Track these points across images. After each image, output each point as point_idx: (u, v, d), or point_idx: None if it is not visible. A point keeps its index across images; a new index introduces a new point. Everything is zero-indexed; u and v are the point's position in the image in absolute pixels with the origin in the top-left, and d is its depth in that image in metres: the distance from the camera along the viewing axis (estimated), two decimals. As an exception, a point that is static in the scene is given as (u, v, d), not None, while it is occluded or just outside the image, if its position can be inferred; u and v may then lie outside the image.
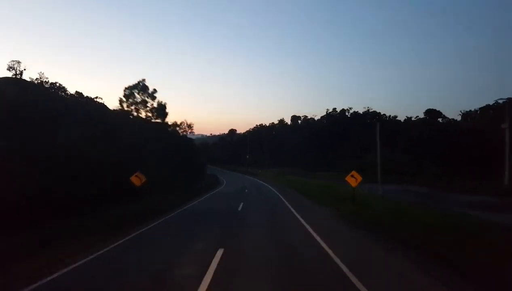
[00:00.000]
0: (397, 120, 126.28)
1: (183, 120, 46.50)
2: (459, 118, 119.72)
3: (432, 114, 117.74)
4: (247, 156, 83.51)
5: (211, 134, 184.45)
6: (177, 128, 43.20)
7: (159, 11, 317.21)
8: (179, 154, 34.74)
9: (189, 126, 46.49)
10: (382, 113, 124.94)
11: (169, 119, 40.60)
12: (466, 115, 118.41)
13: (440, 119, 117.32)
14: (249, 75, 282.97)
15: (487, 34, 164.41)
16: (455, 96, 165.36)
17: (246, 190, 33.89)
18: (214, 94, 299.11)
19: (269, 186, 40.13)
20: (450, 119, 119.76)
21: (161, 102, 31.88)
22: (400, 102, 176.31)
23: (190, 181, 36.47)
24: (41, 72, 46.05)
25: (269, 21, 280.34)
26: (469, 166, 60.93)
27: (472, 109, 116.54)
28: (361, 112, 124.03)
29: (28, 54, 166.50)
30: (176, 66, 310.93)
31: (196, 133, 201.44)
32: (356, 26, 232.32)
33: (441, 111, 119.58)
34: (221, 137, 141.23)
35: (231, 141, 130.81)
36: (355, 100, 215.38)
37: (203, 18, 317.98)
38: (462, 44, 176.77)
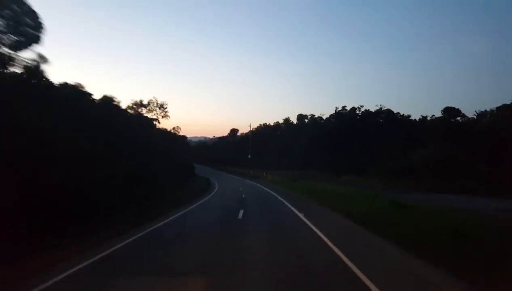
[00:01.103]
0: (411, 119, 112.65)
1: (151, 98, 28.57)
2: (473, 117, 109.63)
3: (450, 112, 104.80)
4: (249, 156, 68.56)
5: (214, 136, 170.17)
6: (143, 110, 28.10)
7: (159, 12, 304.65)
8: (135, 151, 20.45)
9: (162, 107, 29.42)
10: (396, 112, 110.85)
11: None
12: (481, 115, 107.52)
13: (459, 118, 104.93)
14: (251, 74, 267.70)
15: (501, 33, 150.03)
16: (469, 95, 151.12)
17: (241, 214, 15.91)
18: (216, 95, 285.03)
19: (286, 203, 20.65)
20: (470, 117, 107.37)
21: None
22: (411, 100, 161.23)
23: (163, 189, 22.32)
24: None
25: (273, 16, 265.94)
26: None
27: (488, 109, 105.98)
28: (373, 111, 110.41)
29: None
30: (177, 66, 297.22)
31: (199, 136, 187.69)
32: (365, 21, 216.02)
33: (460, 109, 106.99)
34: (222, 137, 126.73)
35: (232, 141, 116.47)
36: (364, 98, 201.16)
37: (204, 16, 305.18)
38: (474, 43, 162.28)
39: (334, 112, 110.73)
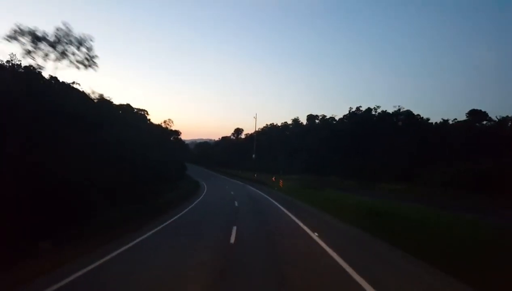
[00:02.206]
0: (430, 122, 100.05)
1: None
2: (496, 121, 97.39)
3: (476, 115, 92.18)
4: (253, 155, 56.14)
5: (219, 138, 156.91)
6: (50, 55, 14.96)
7: (162, 12, 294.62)
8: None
9: (81, 45, 14.83)
10: (416, 114, 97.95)
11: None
12: (503, 120, 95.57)
13: (485, 122, 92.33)
14: (259, 75, 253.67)
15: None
16: (487, 100, 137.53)
17: None
18: (221, 97, 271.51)
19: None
20: (497, 121, 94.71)
21: None
22: (425, 102, 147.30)
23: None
24: None
25: (284, 12, 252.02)
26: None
27: (510, 115, 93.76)
28: (390, 112, 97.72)
29: None
30: (183, 66, 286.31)
31: (204, 138, 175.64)
32: (381, 19, 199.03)
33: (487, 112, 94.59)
34: (225, 138, 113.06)
35: (236, 142, 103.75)
36: (375, 99, 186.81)
37: (208, 15, 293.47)
38: (495, 46, 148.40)
39: (348, 112, 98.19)
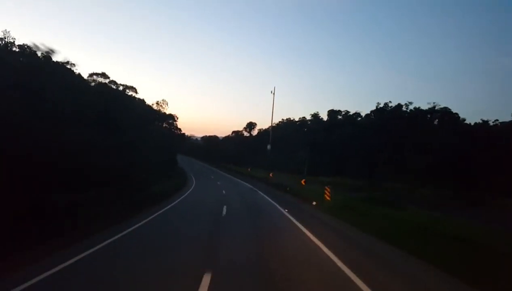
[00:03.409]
0: (466, 123, 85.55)
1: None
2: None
3: (524, 116, 76.85)
4: (268, 146, 43.00)
5: (230, 133, 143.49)
6: None
7: (173, 9, 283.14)
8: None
9: None
10: (454, 112, 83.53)
11: None
12: None
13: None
14: (275, 70, 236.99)
15: None
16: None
17: None
18: (234, 92, 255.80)
19: None
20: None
21: None
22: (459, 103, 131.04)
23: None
24: None
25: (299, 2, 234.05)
26: None
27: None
28: (424, 109, 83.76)
29: None
30: (188, 61, 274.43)
31: (218, 135, 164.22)
32: (404, 12, 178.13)
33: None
34: (236, 132, 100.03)
35: (249, 137, 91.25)
36: (388, 96, 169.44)
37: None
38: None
39: (375, 108, 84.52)
